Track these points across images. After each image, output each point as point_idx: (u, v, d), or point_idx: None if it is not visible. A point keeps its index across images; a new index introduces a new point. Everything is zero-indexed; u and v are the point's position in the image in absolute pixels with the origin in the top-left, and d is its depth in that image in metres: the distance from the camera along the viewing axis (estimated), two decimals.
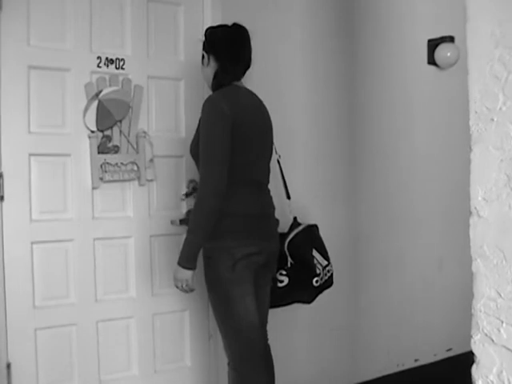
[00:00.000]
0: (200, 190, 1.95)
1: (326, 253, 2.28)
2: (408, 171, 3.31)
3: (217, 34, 2.10)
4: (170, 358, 2.49)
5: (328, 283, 2.28)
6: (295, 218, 2.31)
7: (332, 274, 2.29)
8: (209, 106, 1.97)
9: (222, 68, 2.05)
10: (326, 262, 2.24)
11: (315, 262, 2.21)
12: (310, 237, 2.27)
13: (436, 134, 3.43)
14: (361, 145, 3.09)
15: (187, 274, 1.94)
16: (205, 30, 2.14)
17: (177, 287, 2.00)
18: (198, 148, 1.98)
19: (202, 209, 1.93)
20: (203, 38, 2.11)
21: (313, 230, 2.30)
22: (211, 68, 2.08)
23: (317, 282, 2.20)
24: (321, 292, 2.28)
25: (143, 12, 2.39)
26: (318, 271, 2.21)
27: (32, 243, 2.18)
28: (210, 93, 2.08)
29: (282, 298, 2.21)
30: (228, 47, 2.07)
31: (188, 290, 1.98)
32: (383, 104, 3.18)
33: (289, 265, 2.14)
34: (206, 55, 2.09)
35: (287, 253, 2.16)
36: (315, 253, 2.23)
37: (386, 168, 3.20)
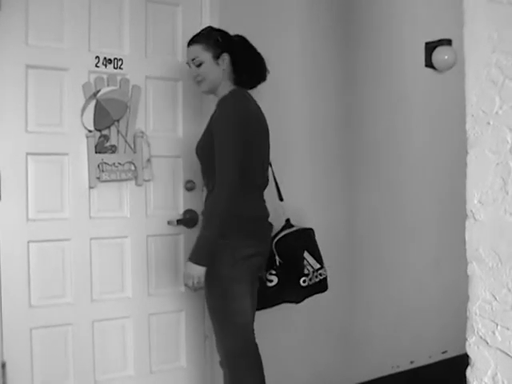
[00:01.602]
0: (220, 191, 1.94)
1: (320, 257, 2.28)
2: (405, 173, 3.31)
3: (233, 37, 2.11)
4: (166, 359, 2.48)
5: (321, 287, 2.28)
6: (288, 220, 2.32)
7: (325, 279, 2.28)
8: (230, 109, 1.98)
9: (242, 70, 2.08)
10: (318, 266, 2.25)
11: (305, 263, 2.22)
12: (302, 238, 2.28)
13: (433, 136, 3.43)
14: (358, 147, 3.10)
15: (200, 270, 1.94)
16: (213, 29, 2.13)
17: (186, 285, 1.99)
18: (206, 149, 2.02)
19: (220, 209, 1.93)
20: (213, 34, 2.09)
21: (308, 233, 2.31)
22: (221, 68, 2.07)
23: (304, 281, 2.20)
24: (311, 294, 2.28)
25: (141, 12, 2.39)
26: (306, 272, 2.22)
27: (28, 242, 2.17)
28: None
29: (273, 298, 2.21)
30: (246, 51, 2.11)
31: (198, 287, 1.98)
32: (380, 106, 3.19)
33: (277, 263, 2.15)
34: (220, 54, 2.06)
35: (275, 251, 2.16)
36: (307, 255, 2.24)
37: (382, 170, 3.20)
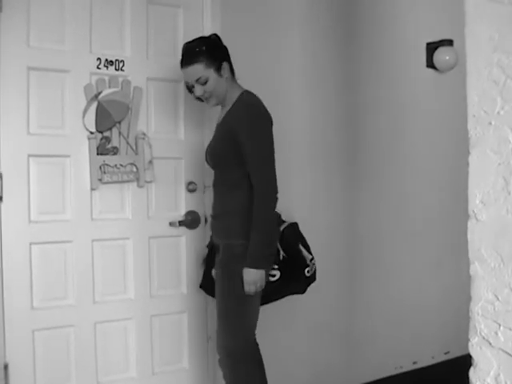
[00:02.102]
0: (268, 194, 2.00)
1: (309, 248, 2.32)
2: (406, 174, 3.31)
3: (220, 41, 2.12)
4: (168, 360, 2.48)
5: (313, 278, 2.31)
6: (279, 216, 2.33)
7: (315, 270, 2.32)
8: (258, 111, 2.02)
9: (232, 73, 2.12)
10: (310, 256, 2.30)
11: (303, 254, 2.26)
12: (295, 232, 2.32)
13: (434, 136, 3.43)
14: (358, 147, 3.10)
15: (261, 274, 1.98)
16: (203, 39, 2.11)
17: (247, 291, 1.99)
18: (219, 152, 2.06)
19: (271, 211, 2.00)
20: (208, 48, 2.06)
21: (295, 226, 2.34)
22: (224, 78, 2.08)
23: (308, 272, 2.25)
24: (309, 284, 2.30)
25: (143, 14, 2.39)
26: (307, 262, 2.26)
27: (30, 244, 2.18)
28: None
29: (277, 292, 2.23)
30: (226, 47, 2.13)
31: (259, 290, 2.01)
32: (381, 106, 3.18)
33: (281, 257, 2.16)
34: (220, 65, 2.06)
35: (279, 246, 2.18)
36: (301, 247, 2.27)
37: (383, 170, 3.20)
